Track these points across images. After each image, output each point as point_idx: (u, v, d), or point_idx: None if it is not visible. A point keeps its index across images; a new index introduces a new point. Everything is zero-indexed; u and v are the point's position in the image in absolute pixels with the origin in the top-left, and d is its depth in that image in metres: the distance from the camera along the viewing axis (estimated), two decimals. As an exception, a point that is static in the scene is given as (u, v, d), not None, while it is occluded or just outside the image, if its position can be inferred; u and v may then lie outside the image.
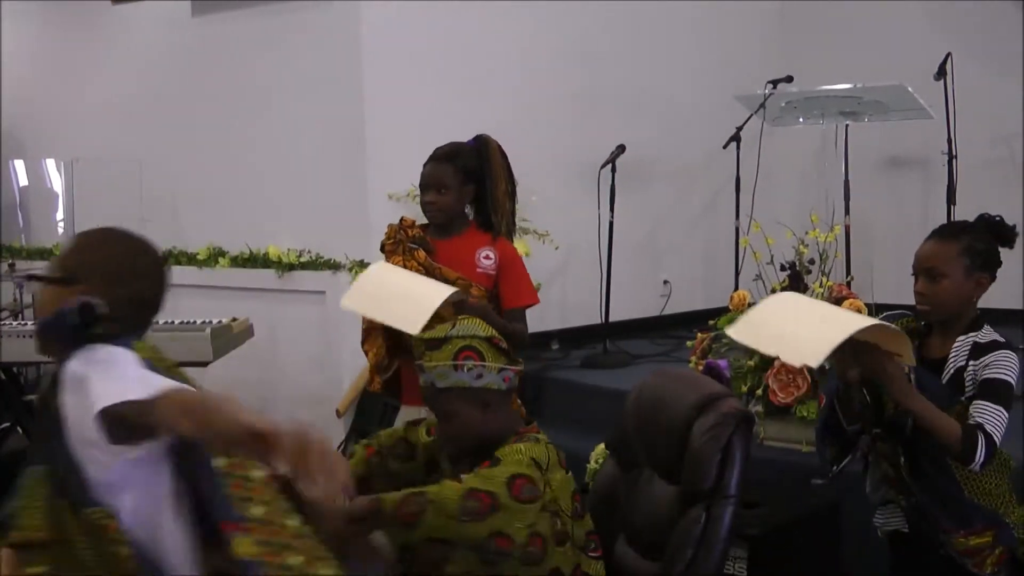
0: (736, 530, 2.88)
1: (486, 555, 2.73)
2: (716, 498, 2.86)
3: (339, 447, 6.45)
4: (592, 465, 5.19)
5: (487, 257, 4.25)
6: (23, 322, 6.56)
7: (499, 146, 4.36)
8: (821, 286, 4.81)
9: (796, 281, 4.81)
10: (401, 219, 4.38)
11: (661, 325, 7.42)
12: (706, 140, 7.11)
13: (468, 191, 4.28)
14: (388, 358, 4.31)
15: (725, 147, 6.54)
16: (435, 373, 2.93)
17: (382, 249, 4.38)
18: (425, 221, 4.35)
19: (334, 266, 6.48)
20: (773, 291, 4.86)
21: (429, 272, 4.21)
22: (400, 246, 4.27)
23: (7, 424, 6.11)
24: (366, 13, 6.41)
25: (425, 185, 4.27)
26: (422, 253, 4.22)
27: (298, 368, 6.72)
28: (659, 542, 2.93)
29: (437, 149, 4.32)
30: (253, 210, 6.98)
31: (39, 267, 7.71)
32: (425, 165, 4.29)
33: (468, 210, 4.37)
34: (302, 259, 6.64)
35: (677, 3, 7.45)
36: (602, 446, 5.22)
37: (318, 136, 6.61)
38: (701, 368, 4.77)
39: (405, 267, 4.24)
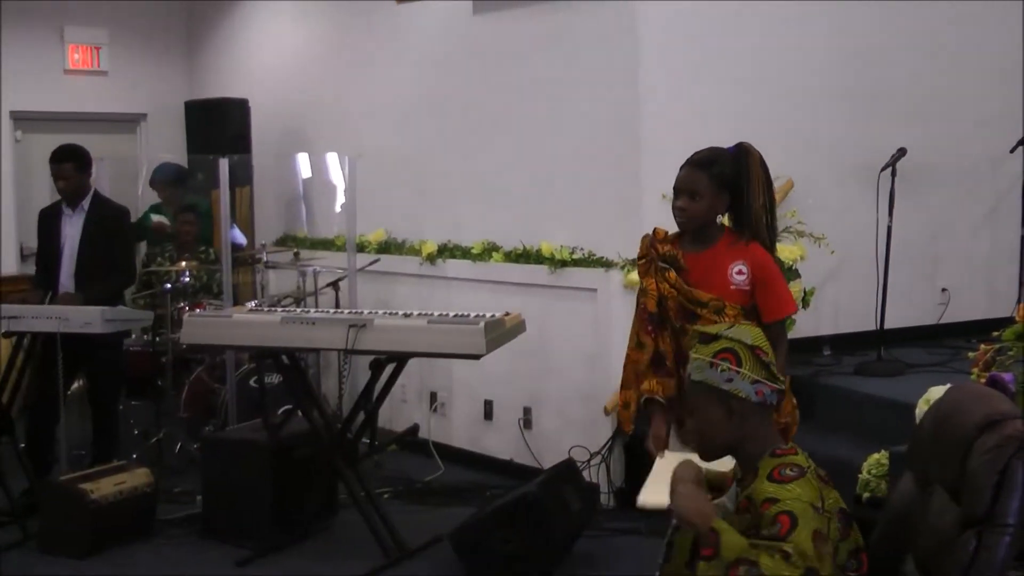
0: (1019, 554, 2.74)
1: None
2: (990, 525, 2.70)
3: (605, 444, 6.49)
4: (864, 476, 5.08)
5: (740, 272, 4.15)
6: (306, 309, 6.83)
7: (760, 156, 4.24)
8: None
9: (1090, 295, 4.57)
10: (654, 231, 4.35)
11: (937, 334, 7.17)
12: (992, 143, 6.86)
13: (722, 200, 4.19)
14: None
15: (1012, 151, 6.31)
16: (694, 365, 2.97)
17: (637, 261, 4.38)
18: (677, 231, 4.32)
19: (606, 264, 6.51)
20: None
21: (681, 293, 4.17)
22: (652, 265, 4.25)
23: (289, 407, 6.37)
24: (644, 11, 6.41)
25: (678, 190, 4.22)
26: (673, 274, 4.18)
27: (567, 364, 6.79)
28: (940, 565, 2.82)
29: (694, 154, 4.25)
30: (527, 206, 7.07)
31: (321, 256, 8.01)
32: (681, 169, 4.24)
33: (721, 219, 4.31)
34: (574, 256, 6.69)
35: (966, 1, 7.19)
36: (876, 457, 5.11)
37: (594, 134, 6.65)
38: (983, 381, 4.59)
39: (657, 288, 4.22)
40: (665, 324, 4.25)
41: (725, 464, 3.15)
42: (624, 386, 4.41)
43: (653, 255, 4.26)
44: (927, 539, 2.92)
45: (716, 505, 2.95)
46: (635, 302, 4.41)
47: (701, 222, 4.21)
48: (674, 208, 4.23)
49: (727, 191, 4.18)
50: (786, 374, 4.36)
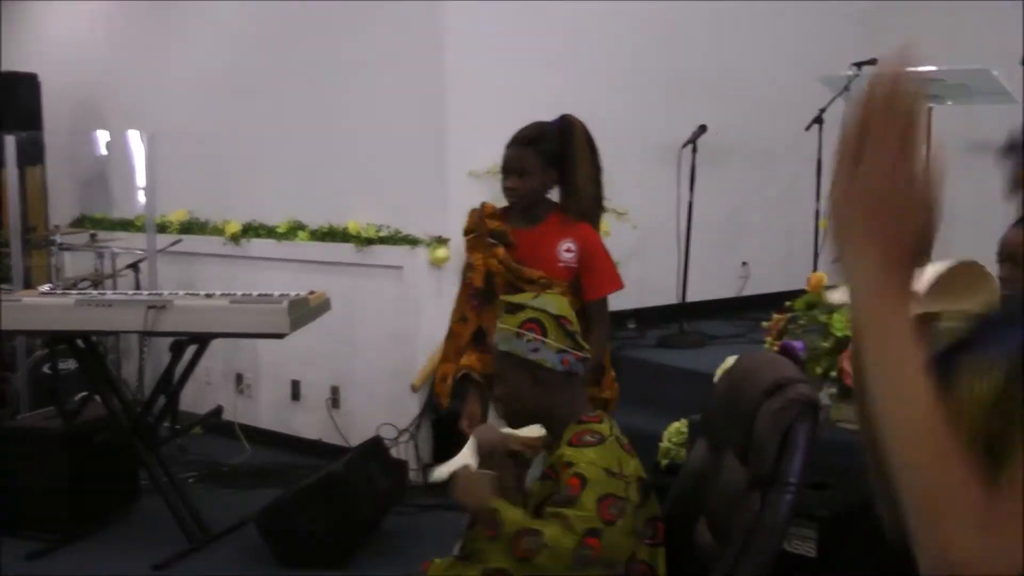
0: (805, 511, 2.80)
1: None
2: (773, 484, 2.78)
3: (413, 421, 6.48)
4: (664, 444, 5.17)
5: (568, 250, 4.17)
6: (102, 292, 6.65)
7: (584, 128, 4.26)
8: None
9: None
10: (482, 205, 4.34)
11: (739, 306, 7.35)
12: (789, 122, 7.01)
13: (551, 175, 4.20)
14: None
15: (807, 129, 6.47)
16: (501, 335, 3.00)
17: (465, 235, 4.37)
18: (506, 204, 4.32)
19: (412, 242, 6.49)
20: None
21: (509, 270, 4.17)
22: (481, 241, 4.24)
23: (86, 393, 6.19)
24: (449, -10, 6.40)
25: (506, 169, 4.21)
26: (502, 250, 4.18)
27: (374, 342, 6.75)
28: (729, 524, 2.89)
29: (519, 131, 4.24)
30: (333, 185, 7.00)
31: (120, 238, 7.80)
32: (507, 148, 4.23)
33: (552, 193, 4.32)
34: (381, 234, 6.65)
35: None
36: (676, 425, 5.20)
37: (400, 113, 6.61)
38: (776, 349, 4.71)
39: (485, 265, 4.21)
40: (491, 300, 4.21)
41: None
42: (445, 359, 4.39)
43: (482, 230, 4.25)
44: (717, 501, 2.99)
45: (495, 477, 2.99)
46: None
47: (532, 200, 4.21)
48: (504, 188, 4.22)
49: (555, 167, 4.18)
50: (606, 349, 4.43)
